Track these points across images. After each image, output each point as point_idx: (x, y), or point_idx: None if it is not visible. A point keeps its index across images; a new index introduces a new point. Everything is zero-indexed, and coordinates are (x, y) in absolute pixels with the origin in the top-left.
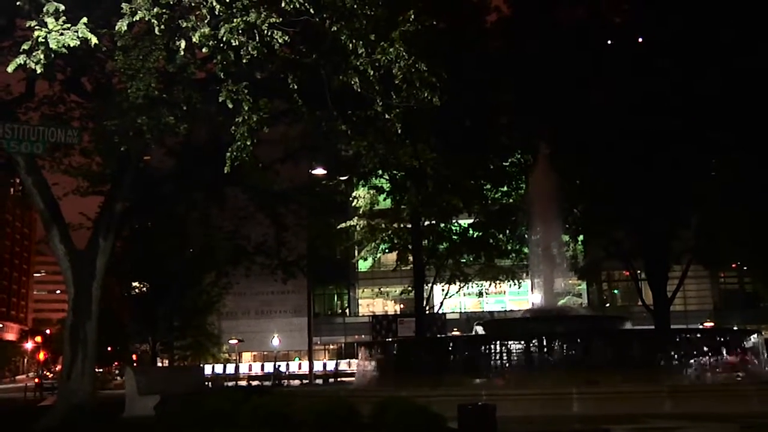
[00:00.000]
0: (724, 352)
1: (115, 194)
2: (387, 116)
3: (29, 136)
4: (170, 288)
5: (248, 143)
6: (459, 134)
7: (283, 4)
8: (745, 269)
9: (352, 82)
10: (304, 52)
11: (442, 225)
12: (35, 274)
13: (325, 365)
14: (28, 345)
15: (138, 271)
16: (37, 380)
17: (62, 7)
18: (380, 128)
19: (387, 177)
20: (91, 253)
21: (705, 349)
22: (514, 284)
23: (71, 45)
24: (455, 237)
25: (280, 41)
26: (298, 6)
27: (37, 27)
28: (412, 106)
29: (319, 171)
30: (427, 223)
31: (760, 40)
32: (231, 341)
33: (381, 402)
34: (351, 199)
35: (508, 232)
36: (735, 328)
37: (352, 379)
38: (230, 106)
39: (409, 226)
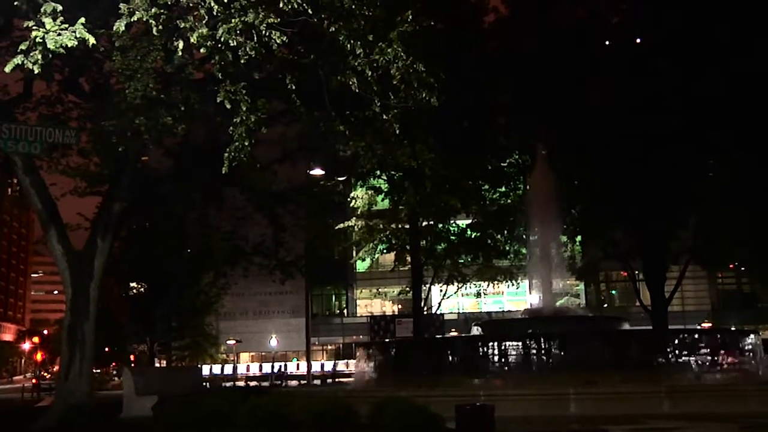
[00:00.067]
0: (722, 353)
1: (113, 195)
2: (385, 117)
3: (27, 137)
4: (168, 288)
5: (246, 144)
6: (457, 135)
7: (281, 5)
8: (743, 270)
9: (350, 83)
10: (302, 53)
11: (440, 225)
12: (33, 275)
13: (323, 366)
14: (26, 345)
15: (136, 272)
16: (34, 381)
17: (60, 8)
18: (378, 129)
19: (385, 177)
20: (88, 254)
21: (703, 349)
22: (512, 285)
23: (69, 45)
24: (453, 237)
25: (278, 42)
26: (296, 6)
27: (34, 27)
28: (410, 106)
29: (317, 171)
30: (425, 223)
31: (758, 39)
32: (229, 342)
33: (379, 402)
34: (349, 199)
35: (506, 232)
36: (733, 328)
37: (350, 379)
38: (228, 106)
39: (407, 226)
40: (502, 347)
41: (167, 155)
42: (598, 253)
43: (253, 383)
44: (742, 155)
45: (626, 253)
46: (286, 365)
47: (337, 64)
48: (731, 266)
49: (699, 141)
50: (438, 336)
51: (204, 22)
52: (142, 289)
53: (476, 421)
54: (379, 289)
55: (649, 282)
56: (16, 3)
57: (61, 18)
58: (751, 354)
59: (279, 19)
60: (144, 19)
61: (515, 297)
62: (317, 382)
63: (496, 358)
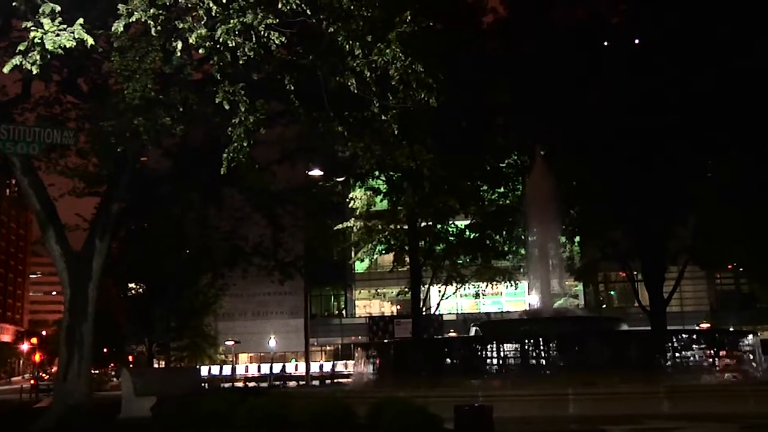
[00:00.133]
0: (721, 353)
1: (111, 195)
2: (384, 117)
3: (25, 137)
4: (167, 289)
5: (245, 144)
6: (456, 135)
7: (279, 5)
8: (742, 270)
9: (349, 84)
10: (300, 53)
11: (439, 226)
12: (31, 275)
13: (321, 366)
14: (24, 346)
15: (134, 272)
16: (33, 382)
17: (58, 8)
18: (377, 129)
19: (384, 178)
20: (87, 254)
21: (702, 350)
22: (511, 285)
23: (67, 46)
24: (452, 238)
25: (276, 42)
26: (294, 7)
27: (33, 28)
28: (408, 107)
29: (316, 172)
30: (423, 224)
31: (756, 38)
32: (228, 342)
33: (378, 403)
34: (348, 200)
35: (504, 233)
36: (731, 329)
37: (349, 380)
38: (227, 107)
39: (406, 227)
40: (501, 348)
41: (166, 156)
42: (597, 254)
43: (251, 384)
44: (741, 155)
45: (625, 253)
46: (285, 366)
47: (336, 65)
48: (730, 267)
49: (697, 141)
50: (437, 337)
51: (203, 22)
52: (141, 290)
53: (475, 422)
54: (378, 290)
55: (647, 282)
56: (14, 3)
57: (60, 19)
58: (749, 354)
59: (278, 20)
60: (142, 20)
61: (514, 297)
62: (316, 382)
63: (494, 359)
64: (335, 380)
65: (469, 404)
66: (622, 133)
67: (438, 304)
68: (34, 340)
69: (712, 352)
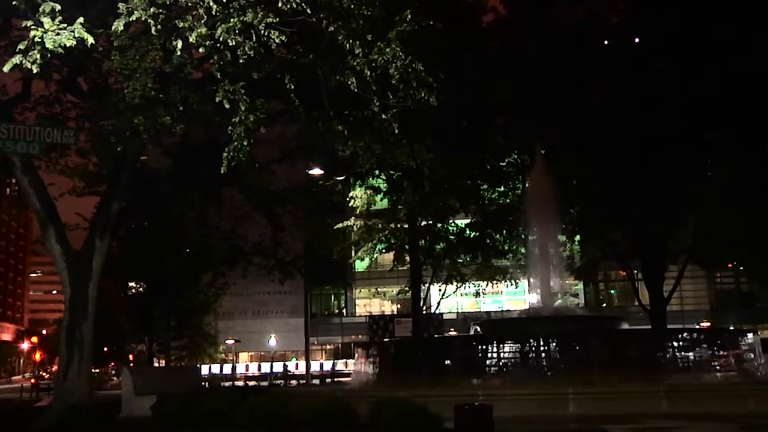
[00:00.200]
0: (721, 352)
1: (111, 194)
2: (384, 116)
3: (25, 137)
4: (167, 288)
5: (245, 143)
6: (456, 134)
7: (279, 4)
8: (742, 269)
9: (349, 83)
10: (301, 52)
11: (439, 225)
12: (31, 275)
13: (322, 365)
14: (24, 345)
15: (135, 271)
16: (33, 381)
17: (58, 7)
18: (377, 128)
19: (384, 177)
20: (87, 254)
21: (702, 349)
22: (511, 284)
23: (67, 45)
24: (452, 237)
25: (277, 41)
26: (294, 6)
27: (33, 27)
28: (409, 106)
29: (316, 171)
30: (423, 223)
31: (756, 39)
32: (228, 341)
33: (378, 402)
34: (348, 199)
35: (504, 232)
36: (731, 327)
37: (349, 379)
38: (227, 106)
39: (406, 226)
40: (501, 347)
41: (166, 155)
42: (597, 253)
43: (252, 383)
44: (741, 155)
45: (625, 252)
46: (285, 365)
47: (336, 64)
48: (730, 266)
49: (697, 141)
50: (437, 336)
51: (203, 21)
52: (141, 289)
53: (475, 421)
54: (378, 289)
55: (647, 282)
56: (14, 3)
57: (60, 18)
58: (749, 353)
59: (278, 19)
60: (143, 19)
61: (514, 296)
62: (316, 381)
63: (494, 358)
64: (335, 379)
65: (470, 403)
66: (622, 133)
67: (438, 303)
68: (35, 339)
69: (712, 351)
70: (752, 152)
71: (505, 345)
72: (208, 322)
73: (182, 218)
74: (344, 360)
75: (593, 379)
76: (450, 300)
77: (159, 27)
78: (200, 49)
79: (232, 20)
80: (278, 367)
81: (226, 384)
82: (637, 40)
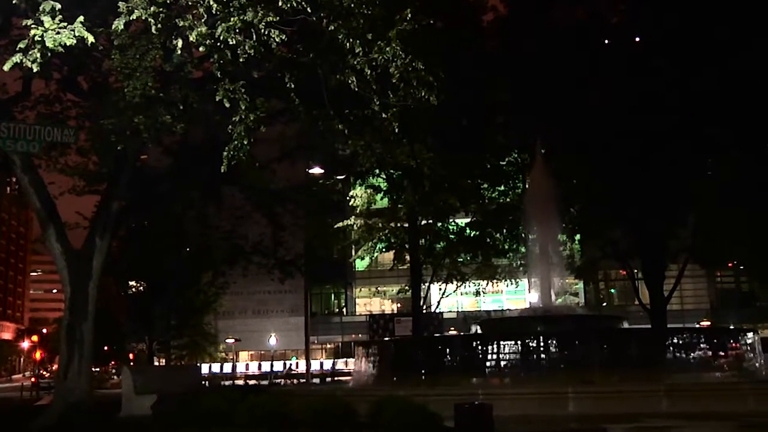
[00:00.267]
0: (721, 351)
1: (111, 193)
2: (384, 115)
3: (25, 135)
4: (167, 287)
5: (245, 142)
6: (456, 133)
7: (280, 3)
8: (742, 268)
9: (349, 82)
10: (301, 51)
11: (439, 224)
12: (31, 273)
13: (322, 364)
14: (25, 344)
15: (135, 271)
16: (33, 379)
17: (59, 6)
18: (377, 127)
19: (384, 176)
20: (87, 253)
21: (701, 348)
22: (512, 283)
23: (68, 44)
24: (452, 236)
25: (277, 40)
26: (295, 5)
27: (33, 26)
28: (409, 105)
29: (316, 170)
30: (424, 222)
31: (755, 38)
32: (228, 340)
33: (378, 401)
34: (348, 198)
35: (505, 231)
36: (731, 327)
37: (349, 378)
38: (227, 105)
39: (406, 225)
40: (501, 346)
41: (166, 154)
42: (597, 252)
43: (252, 382)
44: (741, 153)
45: (625, 252)
46: (285, 364)
47: (336, 63)
48: (730, 265)
49: (697, 139)
50: (437, 335)
51: (203, 20)
52: (141, 288)
53: (475, 420)
54: (378, 288)
55: (648, 281)
56: (14, 1)
57: (60, 16)
58: (749, 352)
59: (278, 18)
60: (143, 18)
61: (514, 296)
62: (316, 380)
63: (495, 357)
64: (335, 378)
65: (469, 402)
66: (622, 133)
67: (438, 302)
68: (35, 338)
69: (712, 350)
70: (752, 150)
71: (505, 344)
72: (209, 321)
73: (182, 217)
74: (344, 359)
75: (593, 379)
76: (450, 299)
77: (159, 26)
78: (200, 48)
79: (232, 19)
80: (278, 366)
81: (226, 383)
82: (637, 39)
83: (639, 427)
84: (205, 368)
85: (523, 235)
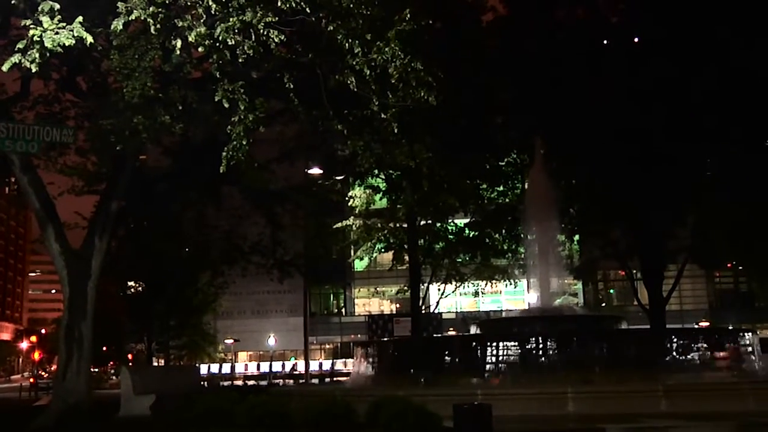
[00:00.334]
0: (720, 352)
1: (110, 193)
2: (383, 116)
3: (24, 135)
4: (166, 287)
5: (244, 143)
6: (455, 134)
7: (279, 4)
8: (741, 269)
9: (349, 82)
10: (300, 52)
11: (438, 224)
12: (30, 274)
13: (321, 365)
14: (23, 344)
15: (134, 271)
16: (32, 380)
17: (57, 6)
18: (376, 128)
19: (383, 177)
20: (86, 253)
21: (700, 348)
22: (510, 284)
23: (66, 44)
24: (451, 236)
25: (276, 41)
26: (294, 5)
27: (32, 26)
28: (408, 105)
29: (316, 170)
30: (423, 222)
31: (757, 38)
32: (227, 341)
33: (377, 401)
34: (347, 198)
35: (504, 231)
36: (730, 327)
37: (348, 378)
38: (226, 105)
39: (405, 225)
40: (500, 346)
41: (165, 154)
42: (596, 253)
43: (251, 382)
44: (741, 153)
45: (624, 252)
46: (285, 364)
47: (336, 63)
48: (729, 265)
49: (697, 139)
50: (436, 335)
51: (202, 20)
52: (140, 288)
53: (474, 421)
54: (377, 288)
55: (647, 281)
56: (13, 2)
57: (59, 17)
58: (748, 353)
59: (277, 18)
60: (142, 18)
61: (513, 296)
62: (315, 381)
63: (494, 357)
64: (334, 378)
65: (468, 403)
66: (622, 132)
67: (437, 303)
68: (34, 339)
69: (711, 350)
70: (751, 150)
71: (504, 344)
72: (207, 321)
73: (181, 218)
74: (343, 359)
75: (592, 379)
76: (449, 299)
77: (158, 26)
78: (199, 49)
79: (231, 19)
80: (277, 366)
81: (225, 383)
82: (636, 39)
83: (638, 428)
84: (204, 368)
85: (522, 235)
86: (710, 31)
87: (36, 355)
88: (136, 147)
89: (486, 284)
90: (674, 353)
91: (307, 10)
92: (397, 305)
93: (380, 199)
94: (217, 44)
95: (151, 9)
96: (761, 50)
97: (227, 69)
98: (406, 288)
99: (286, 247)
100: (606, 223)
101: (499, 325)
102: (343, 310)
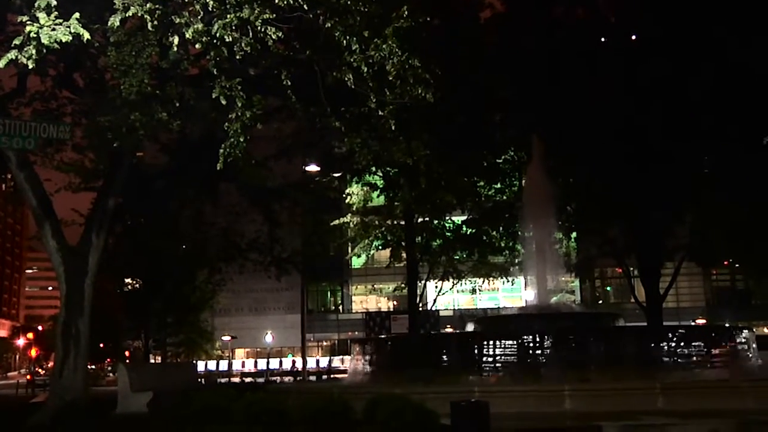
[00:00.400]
0: (716, 349)
1: (107, 190)
2: (381, 113)
3: (21, 132)
4: (163, 284)
5: (242, 139)
6: (453, 131)
7: (276, 0)
8: (738, 267)
9: (346, 79)
10: (297, 49)
11: (436, 222)
12: (27, 270)
13: (318, 362)
14: (20, 341)
15: (131, 268)
16: (29, 377)
17: (54, 2)
18: (374, 125)
19: (380, 174)
20: (83, 250)
21: (697, 345)
22: (508, 281)
23: (63, 40)
24: (449, 234)
25: (273, 37)
26: (291, 2)
27: (28, 22)
28: (405, 102)
29: (313, 168)
30: (420, 219)
31: (754, 36)
32: (224, 338)
33: (374, 399)
34: (344, 195)
35: (501, 228)
36: (727, 324)
37: (345, 375)
38: (224, 102)
39: (403, 222)
40: (498, 344)
41: (162, 151)
42: (593, 250)
43: (248, 379)
44: (739, 152)
45: (621, 249)
46: (282, 361)
47: (333, 60)
48: (726, 263)
49: (695, 137)
50: (433, 332)
51: (199, 17)
52: (137, 285)
53: (471, 418)
54: (375, 286)
55: (644, 279)
56: None
57: (56, 13)
58: (745, 350)
59: (274, 15)
60: (139, 15)
61: (510, 293)
62: (313, 378)
63: (491, 355)
64: (331, 376)
65: (466, 400)
66: (620, 131)
67: (434, 300)
68: (30, 336)
69: (708, 348)
70: (750, 149)
71: (502, 342)
72: (205, 318)
73: (179, 215)
74: (341, 356)
75: (589, 376)
76: (446, 297)
77: (155, 23)
78: (197, 45)
79: (228, 16)
80: (274, 363)
81: (223, 380)
82: (634, 37)
83: (635, 425)
84: (201, 366)
85: (519, 232)
86: (707, 29)
87: (33, 352)
88: (133, 144)
89: (483, 281)
90: (671, 351)
91: (305, 6)
92: (395, 302)
93: (378, 196)
94: (215, 41)
95: (148, 5)
96: (758, 48)
97: (224, 66)
98: (403, 285)
99: (284, 245)
100: (603, 221)
101: (496, 323)
102: (341, 308)
